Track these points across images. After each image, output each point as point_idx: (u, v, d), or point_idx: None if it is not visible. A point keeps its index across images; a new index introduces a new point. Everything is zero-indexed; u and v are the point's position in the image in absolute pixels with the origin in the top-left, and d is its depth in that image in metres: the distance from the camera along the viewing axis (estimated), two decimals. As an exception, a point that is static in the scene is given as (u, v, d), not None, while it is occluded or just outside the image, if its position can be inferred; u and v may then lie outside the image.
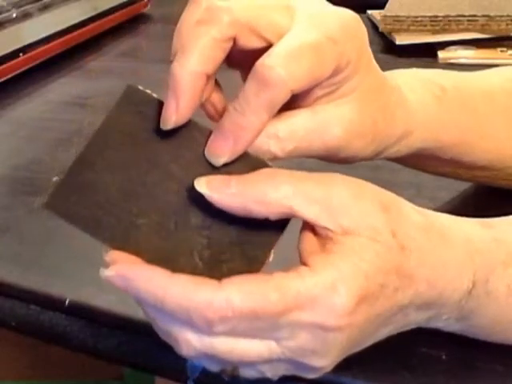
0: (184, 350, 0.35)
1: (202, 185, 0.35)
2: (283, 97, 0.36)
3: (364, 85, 0.40)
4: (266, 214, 0.34)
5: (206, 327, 0.33)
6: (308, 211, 0.34)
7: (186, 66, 0.35)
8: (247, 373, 0.36)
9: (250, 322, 0.33)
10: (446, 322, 0.39)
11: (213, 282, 0.33)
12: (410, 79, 0.46)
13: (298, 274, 0.34)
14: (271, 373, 0.36)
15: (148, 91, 0.37)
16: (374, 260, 0.34)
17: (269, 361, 0.35)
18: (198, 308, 0.33)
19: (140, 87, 0.37)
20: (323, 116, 0.39)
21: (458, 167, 0.51)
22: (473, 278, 0.37)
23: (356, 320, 0.34)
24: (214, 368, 0.36)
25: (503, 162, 0.51)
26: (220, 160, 0.36)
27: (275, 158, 0.38)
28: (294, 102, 0.38)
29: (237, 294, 0.33)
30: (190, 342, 0.34)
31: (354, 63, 0.38)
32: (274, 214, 0.34)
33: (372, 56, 0.40)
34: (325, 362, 0.35)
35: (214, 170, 0.36)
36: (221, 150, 0.36)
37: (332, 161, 0.42)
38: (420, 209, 0.38)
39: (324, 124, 0.39)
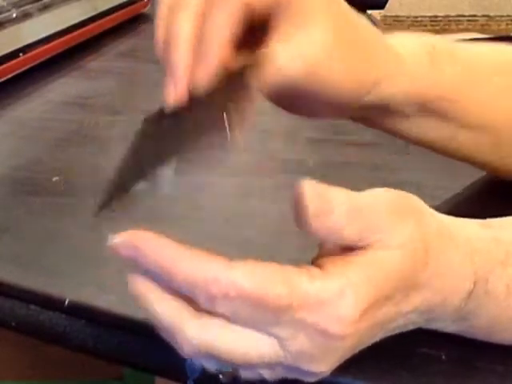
0: (184, 347, 0.34)
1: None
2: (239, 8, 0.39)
3: (333, 16, 0.42)
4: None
5: (209, 303, 0.33)
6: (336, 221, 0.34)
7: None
8: (246, 375, 0.36)
9: (251, 309, 0.32)
10: (444, 323, 0.39)
11: (224, 260, 0.33)
12: (403, 38, 0.48)
13: (309, 273, 0.33)
14: (270, 376, 0.36)
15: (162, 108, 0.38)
16: (391, 268, 0.34)
17: (269, 364, 0.34)
18: (204, 282, 0.32)
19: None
20: (298, 39, 0.40)
21: (440, 127, 0.50)
22: (473, 279, 0.37)
23: (358, 329, 0.34)
24: (211, 368, 0.36)
25: (488, 126, 0.51)
26: (200, 84, 0.38)
27: (258, 89, 0.39)
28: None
29: (245, 275, 0.32)
30: (189, 338, 0.33)
31: None
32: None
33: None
34: (322, 368, 0.35)
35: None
36: (198, 76, 0.38)
37: (316, 105, 0.44)
38: (431, 210, 0.38)
39: (300, 46, 0.40)
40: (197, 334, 0.33)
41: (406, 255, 0.34)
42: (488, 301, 0.38)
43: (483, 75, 0.51)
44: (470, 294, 0.37)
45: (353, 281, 0.33)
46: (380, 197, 0.36)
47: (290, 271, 0.33)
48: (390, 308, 0.35)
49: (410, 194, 0.37)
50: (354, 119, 0.50)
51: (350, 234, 0.34)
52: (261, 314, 0.33)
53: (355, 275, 0.33)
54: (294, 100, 0.45)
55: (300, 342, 0.33)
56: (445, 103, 0.49)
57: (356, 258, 0.34)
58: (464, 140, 0.51)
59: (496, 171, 0.55)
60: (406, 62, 0.46)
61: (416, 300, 0.35)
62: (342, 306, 0.33)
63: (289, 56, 0.40)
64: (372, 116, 0.49)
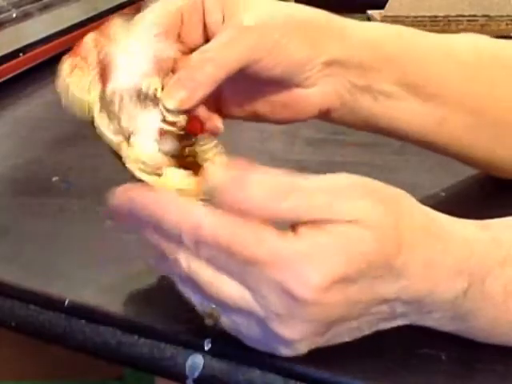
0: (175, 270, 0.37)
1: (217, 174, 0.37)
2: None
3: (261, 7, 0.46)
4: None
5: (194, 248, 0.36)
6: (314, 203, 0.35)
7: None
8: (226, 322, 0.37)
9: (225, 257, 0.35)
10: (439, 321, 0.39)
11: (208, 208, 0.36)
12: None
13: (282, 233, 0.35)
14: (245, 330, 0.37)
15: None
16: (363, 246, 0.35)
17: (241, 310, 0.36)
18: (190, 228, 0.35)
19: None
20: (227, 30, 0.44)
21: (427, 109, 0.50)
22: (468, 279, 0.37)
23: (327, 299, 0.35)
24: (198, 305, 0.38)
25: (469, 103, 0.51)
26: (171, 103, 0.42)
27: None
28: None
29: (223, 225, 0.35)
30: (180, 262, 0.36)
31: None
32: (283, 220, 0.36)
33: None
34: (291, 334, 0.36)
35: None
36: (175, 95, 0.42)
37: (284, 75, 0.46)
38: (423, 207, 0.38)
39: (229, 34, 0.44)
40: (186, 260, 0.36)
41: (377, 237, 0.35)
42: (485, 302, 0.38)
43: (462, 55, 0.51)
44: (466, 292, 0.37)
45: (323, 247, 0.34)
46: (358, 182, 0.37)
47: (264, 229, 0.35)
48: (363, 286, 0.35)
49: (399, 190, 0.38)
50: (346, 122, 0.51)
51: (320, 206, 0.35)
52: (232, 263, 0.35)
53: (326, 241, 0.35)
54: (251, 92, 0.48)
55: (268, 298, 0.35)
56: (419, 77, 0.49)
57: (328, 227, 0.35)
58: (450, 123, 0.51)
59: (490, 167, 0.55)
60: (359, 31, 0.49)
61: (393, 286, 0.36)
62: (308, 269, 0.34)
63: (233, 35, 0.44)
64: (355, 106, 0.49)
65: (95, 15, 0.98)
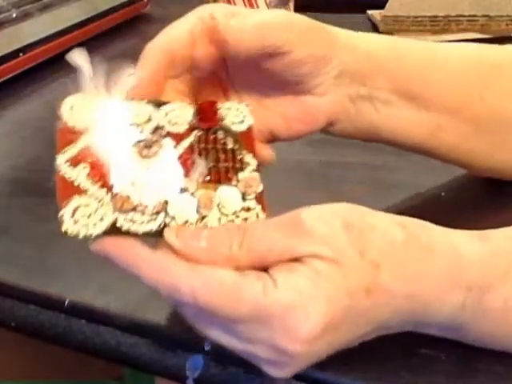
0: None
1: (171, 235, 0.36)
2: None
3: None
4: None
5: (176, 304, 0.37)
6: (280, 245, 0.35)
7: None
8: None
9: (208, 315, 0.35)
10: (437, 332, 0.39)
11: (186, 265, 0.35)
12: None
13: (260, 283, 0.34)
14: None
15: None
16: (339, 283, 0.34)
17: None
18: (169, 290, 0.35)
19: None
20: (251, 19, 0.44)
21: (421, 116, 0.50)
22: (465, 292, 0.37)
23: (318, 345, 0.35)
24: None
25: (464, 109, 0.51)
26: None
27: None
28: None
29: (201, 285, 0.34)
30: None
31: None
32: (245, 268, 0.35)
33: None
34: (282, 374, 0.36)
35: None
36: None
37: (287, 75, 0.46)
38: (404, 221, 0.38)
39: (253, 22, 0.44)
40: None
41: (344, 273, 0.35)
42: (485, 315, 0.38)
43: (452, 64, 0.52)
44: (464, 306, 0.37)
45: (302, 295, 0.34)
46: (304, 208, 0.37)
47: (244, 282, 0.34)
48: (357, 317, 0.35)
49: (361, 207, 0.38)
50: (347, 134, 0.51)
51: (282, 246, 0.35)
52: (216, 321, 0.35)
53: (303, 287, 0.34)
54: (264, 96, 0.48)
55: (256, 350, 0.35)
56: (413, 86, 0.50)
57: (299, 268, 0.35)
58: (446, 130, 0.51)
59: (495, 173, 0.55)
60: (361, 42, 0.49)
61: (386, 307, 0.36)
62: (293, 323, 0.34)
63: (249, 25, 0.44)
64: (356, 118, 0.50)
65: (95, 15, 0.98)
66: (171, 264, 0.35)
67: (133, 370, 0.49)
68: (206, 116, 0.41)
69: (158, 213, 0.37)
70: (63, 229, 0.36)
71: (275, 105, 0.48)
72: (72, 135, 0.39)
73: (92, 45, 0.97)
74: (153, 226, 0.37)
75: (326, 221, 0.36)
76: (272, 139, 0.49)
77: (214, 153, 0.40)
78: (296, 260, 0.35)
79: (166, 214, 0.37)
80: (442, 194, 0.57)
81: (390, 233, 0.37)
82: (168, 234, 0.36)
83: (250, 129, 0.42)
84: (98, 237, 0.36)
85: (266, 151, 0.45)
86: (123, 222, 0.36)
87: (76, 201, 0.37)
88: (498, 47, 0.55)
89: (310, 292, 0.34)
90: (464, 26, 0.91)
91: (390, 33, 0.93)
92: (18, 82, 0.84)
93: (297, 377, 0.38)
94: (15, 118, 0.79)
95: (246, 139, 0.42)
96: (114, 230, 0.36)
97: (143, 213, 0.37)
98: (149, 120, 0.41)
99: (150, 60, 0.43)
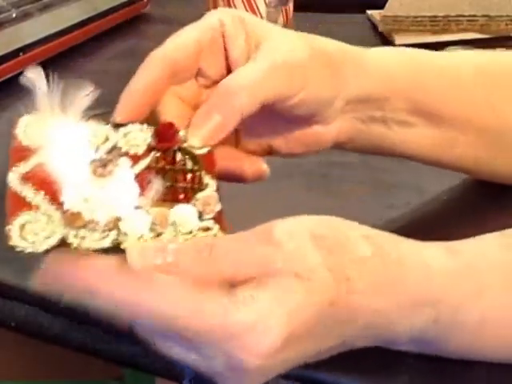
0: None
1: (133, 255, 0.35)
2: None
3: (283, 39, 0.44)
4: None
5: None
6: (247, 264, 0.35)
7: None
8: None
9: (166, 330, 0.34)
10: (411, 347, 0.39)
11: (142, 281, 0.34)
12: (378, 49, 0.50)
13: (224, 304, 0.34)
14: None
15: None
16: (303, 297, 0.34)
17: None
18: (125, 306, 0.34)
19: None
20: (262, 62, 0.43)
21: (436, 134, 0.50)
22: (437, 306, 0.37)
23: (277, 357, 0.34)
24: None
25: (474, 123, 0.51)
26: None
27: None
28: None
29: (161, 302, 0.34)
30: None
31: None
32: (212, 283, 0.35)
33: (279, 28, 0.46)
34: None
35: None
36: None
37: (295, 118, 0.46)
38: (374, 235, 0.37)
39: (266, 67, 0.42)
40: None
41: (309, 287, 0.34)
42: (458, 331, 0.38)
43: (464, 77, 0.51)
44: (436, 322, 0.37)
45: (266, 312, 0.34)
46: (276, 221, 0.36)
47: (206, 300, 0.34)
48: (324, 334, 0.35)
49: (333, 219, 0.37)
50: (360, 145, 0.50)
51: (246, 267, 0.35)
52: (172, 335, 0.35)
53: (270, 305, 0.34)
54: (266, 129, 0.47)
55: (212, 364, 0.35)
56: (429, 104, 0.49)
57: (270, 283, 0.34)
58: (460, 144, 0.51)
59: (499, 178, 0.55)
60: (376, 63, 0.48)
61: (353, 323, 0.36)
62: (253, 341, 0.33)
63: (262, 71, 0.42)
64: (369, 137, 0.49)
65: (95, 15, 0.98)
66: (129, 280, 0.34)
67: (133, 370, 0.49)
68: (165, 137, 0.40)
69: (110, 230, 0.36)
70: (10, 243, 0.35)
71: (277, 127, 0.47)
72: (25, 153, 0.38)
73: (92, 45, 0.97)
74: (104, 243, 0.36)
75: (296, 235, 0.35)
76: (271, 154, 0.48)
77: (172, 173, 0.40)
78: (263, 275, 0.34)
79: (119, 230, 0.36)
80: (444, 197, 0.57)
81: (360, 247, 0.36)
82: (129, 254, 0.35)
83: (210, 152, 0.41)
84: (45, 252, 0.35)
85: (259, 165, 0.45)
86: (73, 239, 0.36)
87: (24, 216, 0.36)
88: (507, 54, 0.54)
89: (271, 308, 0.34)
90: (464, 26, 0.91)
91: (389, 33, 0.93)
92: (18, 82, 0.84)
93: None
94: (15, 118, 0.78)
95: (206, 161, 0.41)
96: (63, 246, 0.36)
97: (94, 229, 0.36)
98: (106, 140, 0.40)
99: (151, 68, 0.43)
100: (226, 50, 0.45)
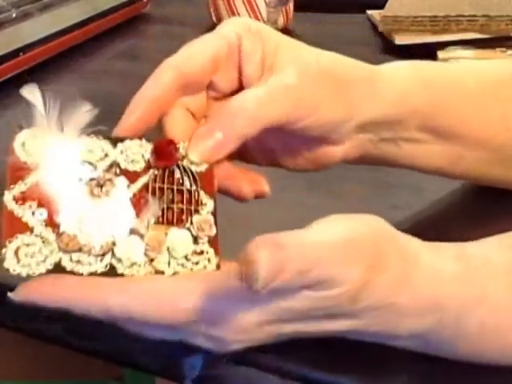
0: None
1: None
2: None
3: (297, 60, 0.43)
4: None
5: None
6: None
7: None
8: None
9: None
10: (411, 347, 0.39)
11: (116, 284, 0.36)
12: (390, 65, 0.49)
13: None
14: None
15: None
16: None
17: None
18: (99, 309, 0.36)
19: None
20: (271, 86, 0.42)
21: (445, 149, 0.50)
22: (440, 314, 0.37)
23: (259, 333, 0.36)
24: None
25: (489, 140, 0.51)
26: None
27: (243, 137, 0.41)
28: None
29: (136, 296, 0.35)
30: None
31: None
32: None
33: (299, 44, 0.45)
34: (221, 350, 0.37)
35: None
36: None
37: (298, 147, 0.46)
38: (400, 238, 0.38)
39: (274, 91, 0.42)
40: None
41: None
42: (459, 337, 0.38)
43: (474, 90, 0.51)
44: (439, 325, 0.37)
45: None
46: (333, 238, 0.35)
47: (180, 288, 0.36)
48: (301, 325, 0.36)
49: (371, 221, 0.37)
50: (367, 160, 0.50)
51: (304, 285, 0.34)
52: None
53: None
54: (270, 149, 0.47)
55: (192, 338, 0.37)
56: (441, 121, 0.49)
57: None
58: (469, 159, 0.51)
59: (503, 185, 0.55)
60: (391, 83, 0.47)
61: (344, 323, 0.36)
62: (231, 317, 0.35)
63: (269, 96, 0.41)
64: (377, 155, 0.49)
65: (95, 15, 0.98)
66: (102, 281, 0.36)
67: (133, 370, 0.49)
68: (163, 155, 0.40)
69: (104, 254, 0.37)
70: (5, 267, 0.36)
71: (286, 143, 0.47)
72: (22, 171, 0.38)
73: (92, 45, 0.97)
74: (98, 267, 0.36)
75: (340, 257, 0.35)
76: (277, 166, 0.48)
77: (170, 193, 0.40)
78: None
79: (113, 255, 0.37)
80: (447, 198, 0.57)
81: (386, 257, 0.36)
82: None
83: (209, 169, 0.41)
84: (41, 276, 0.36)
85: (259, 185, 0.44)
86: (68, 263, 0.36)
87: (20, 239, 0.36)
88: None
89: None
90: (464, 26, 0.90)
91: (389, 33, 0.93)
92: (18, 82, 0.84)
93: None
94: (15, 118, 0.78)
95: (204, 179, 0.41)
96: (57, 270, 0.36)
97: (89, 253, 0.37)
98: (105, 157, 0.40)
99: (162, 77, 0.42)
100: (240, 64, 0.44)
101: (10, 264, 0.36)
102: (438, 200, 0.57)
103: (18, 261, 0.36)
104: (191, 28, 0.98)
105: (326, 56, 0.45)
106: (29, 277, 0.36)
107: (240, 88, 0.44)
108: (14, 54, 0.83)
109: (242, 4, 0.96)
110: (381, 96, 0.46)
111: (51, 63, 0.89)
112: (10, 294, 0.36)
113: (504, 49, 0.89)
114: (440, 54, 0.88)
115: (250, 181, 0.44)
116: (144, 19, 1.09)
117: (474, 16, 0.90)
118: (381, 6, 0.96)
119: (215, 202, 0.40)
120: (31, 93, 0.40)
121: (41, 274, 0.36)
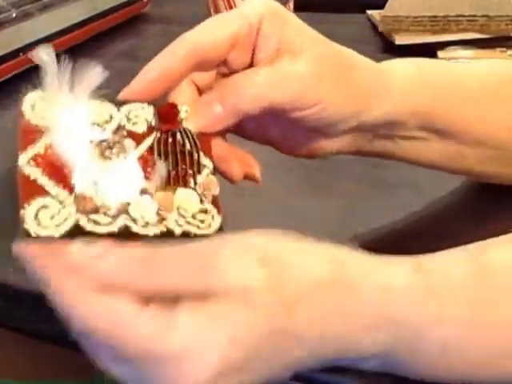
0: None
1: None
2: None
3: (313, 50, 0.43)
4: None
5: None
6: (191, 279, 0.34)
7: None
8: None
9: (100, 342, 0.35)
10: (376, 367, 0.38)
11: (81, 294, 0.34)
12: (393, 62, 0.49)
13: (161, 324, 0.32)
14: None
15: None
16: (243, 324, 0.33)
17: None
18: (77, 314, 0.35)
19: None
20: (280, 69, 0.42)
21: (444, 146, 0.50)
22: (395, 327, 0.35)
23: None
24: None
25: (490, 139, 0.51)
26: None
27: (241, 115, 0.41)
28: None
29: (97, 314, 0.34)
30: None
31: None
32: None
33: (317, 35, 0.45)
34: None
35: None
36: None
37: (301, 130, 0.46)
38: (334, 257, 0.36)
39: (281, 75, 0.42)
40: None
41: (253, 311, 0.33)
42: (418, 358, 0.36)
43: (475, 91, 0.51)
44: (398, 341, 0.36)
45: (202, 338, 0.32)
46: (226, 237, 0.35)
47: (142, 319, 0.33)
48: (266, 360, 0.34)
49: (287, 238, 0.36)
50: (362, 153, 0.50)
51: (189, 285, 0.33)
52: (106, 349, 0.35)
53: (208, 330, 0.32)
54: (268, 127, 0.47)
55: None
56: (441, 121, 0.49)
57: (207, 306, 0.33)
58: (469, 157, 0.51)
59: (501, 181, 0.55)
60: (395, 82, 0.47)
61: (298, 350, 0.35)
62: (187, 368, 0.32)
63: (275, 79, 0.42)
64: (373, 147, 0.49)
65: (95, 15, 0.98)
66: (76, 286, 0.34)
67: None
68: (167, 119, 0.41)
69: (119, 215, 0.37)
70: (26, 229, 0.36)
71: (283, 126, 0.46)
72: (34, 134, 0.39)
73: (92, 45, 0.97)
74: (115, 228, 0.36)
75: (242, 257, 0.34)
76: (270, 145, 0.48)
77: (173, 156, 0.40)
78: (204, 296, 0.33)
79: (128, 215, 0.37)
80: (446, 197, 0.57)
81: (313, 271, 0.35)
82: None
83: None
84: (61, 238, 0.36)
85: (252, 168, 0.44)
86: (86, 223, 0.36)
87: (39, 201, 0.36)
88: None
89: (209, 334, 0.32)
90: (464, 26, 0.91)
91: (389, 33, 0.93)
92: (18, 82, 0.84)
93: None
94: (15, 118, 0.78)
95: (203, 141, 0.42)
96: (77, 231, 0.36)
97: (106, 214, 0.37)
98: (110, 119, 0.40)
99: (178, 52, 0.41)
100: (255, 46, 0.43)
101: (31, 226, 0.36)
102: (436, 198, 0.57)
103: (39, 223, 0.36)
104: (191, 28, 0.98)
105: (343, 53, 0.45)
106: (49, 239, 0.35)
107: (251, 67, 0.44)
108: (14, 54, 0.83)
109: (242, 3, 0.96)
110: (389, 97, 0.46)
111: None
112: (13, 245, 0.36)
113: (504, 49, 0.89)
114: (440, 53, 0.88)
115: (242, 163, 0.44)
116: (144, 19, 1.09)
117: (474, 16, 0.90)
118: (381, 6, 0.96)
119: (213, 162, 0.41)
120: (45, 53, 0.39)
121: (61, 236, 0.36)
